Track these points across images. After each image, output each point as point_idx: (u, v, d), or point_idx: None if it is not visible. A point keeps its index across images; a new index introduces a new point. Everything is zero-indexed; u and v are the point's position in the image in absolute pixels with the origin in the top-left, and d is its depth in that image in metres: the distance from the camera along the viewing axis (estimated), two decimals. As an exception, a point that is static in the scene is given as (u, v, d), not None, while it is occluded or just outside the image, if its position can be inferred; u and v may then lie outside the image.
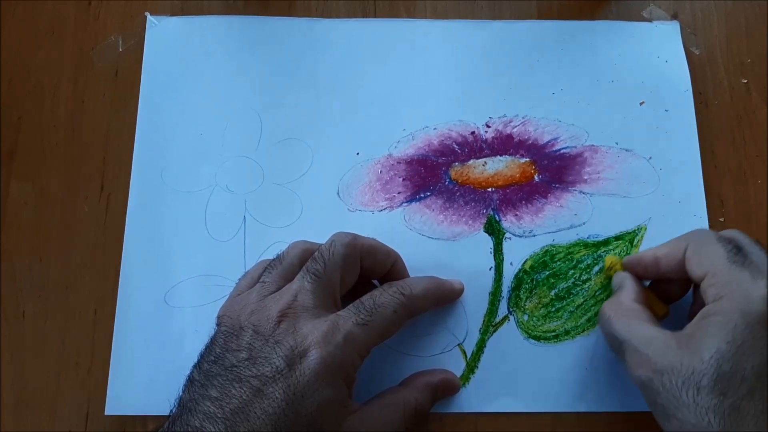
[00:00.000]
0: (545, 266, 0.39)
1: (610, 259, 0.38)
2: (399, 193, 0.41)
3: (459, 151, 0.42)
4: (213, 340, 0.32)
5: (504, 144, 0.42)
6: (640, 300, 0.34)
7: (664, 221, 0.40)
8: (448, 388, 0.37)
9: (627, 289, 0.35)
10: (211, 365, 0.30)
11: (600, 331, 0.38)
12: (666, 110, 0.43)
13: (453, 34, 0.44)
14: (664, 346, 0.30)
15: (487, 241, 0.40)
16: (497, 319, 0.39)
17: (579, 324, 0.38)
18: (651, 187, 0.41)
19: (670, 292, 0.36)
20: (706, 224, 0.40)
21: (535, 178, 0.41)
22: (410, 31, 0.44)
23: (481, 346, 0.38)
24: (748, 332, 0.29)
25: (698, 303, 0.33)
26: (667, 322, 0.34)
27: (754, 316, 0.29)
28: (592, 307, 0.39)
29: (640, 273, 0.36)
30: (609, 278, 0.38)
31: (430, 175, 0.41)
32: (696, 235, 0.34)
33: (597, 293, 0.39)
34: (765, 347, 0.29)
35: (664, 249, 0.35)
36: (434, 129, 0.42)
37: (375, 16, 0.45)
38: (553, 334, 0.38)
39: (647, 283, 0.37)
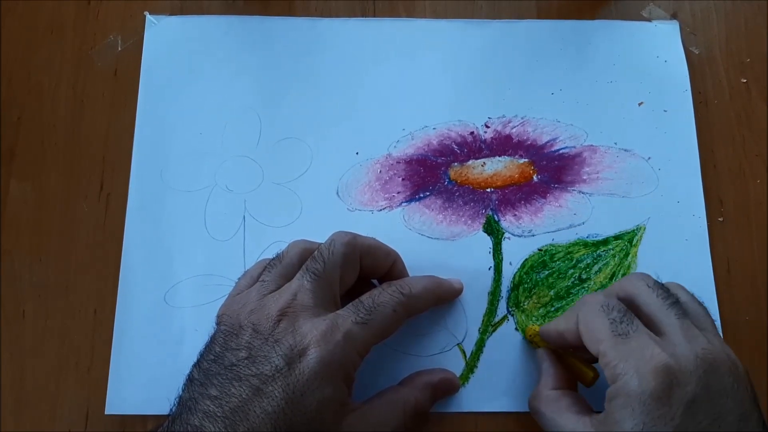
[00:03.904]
0: (544, 266, 0.39)
1: (530, 329, 0.37)
2: (398, 192, 0.41)
3: (458, 151, 0.42)
4: (213, 339, 0.32)
5: (503, 144, 0.42)
6: (559, 383, 0.34)
7: (664, 221, 0.40)
8: (447, 387, 0.37)
9: (545, 374, 0.35)
10: (211, 364, 0.31)
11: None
12: (665, 110, 0.43)
13: (452, 34, 0.44)
14: None
15: (487, 241, 0.40)
16: (496, 319, 0.39)
17: (578, 323, 0.38)
18: (650, 186, 0.41)
19: (593, 355, 0.35)
20: (705, 224, 0.40)
21: (534, 178, 0.41)
22: (409, 31, 0.44)
23: (480, 346, 0.38)
24: (646, 413, 0.28)
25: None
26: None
27: (648, 395, 0.28)
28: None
29: (554, 344, 0.36)
30: (611, 274, 0.39)
31: (430, 175, 0.41)
32: (584, 306, 0.33)
33: (596, 293, 0.39)
34: (668, 424, 0.28)
35: (563, 323, 0.34)
36: (433, 129, 0.42)
37: (374, 15, 0.45)
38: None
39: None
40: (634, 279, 0.33)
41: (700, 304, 0.33)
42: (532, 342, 0.37)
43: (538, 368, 0.36)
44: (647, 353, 0.29)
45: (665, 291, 0.32)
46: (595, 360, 0.32)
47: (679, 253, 0.40)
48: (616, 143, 0.42)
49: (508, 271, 0.39)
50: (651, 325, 0.31)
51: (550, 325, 0.35)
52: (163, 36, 0.44)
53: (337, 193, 0.41)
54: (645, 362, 0.29)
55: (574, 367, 0.35)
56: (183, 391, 0.31)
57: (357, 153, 0.42)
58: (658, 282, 0.32)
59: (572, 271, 0.39)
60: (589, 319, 0.32)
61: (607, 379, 0.30)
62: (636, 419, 0.28)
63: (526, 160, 0.42)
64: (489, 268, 0.39)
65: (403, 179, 0.41)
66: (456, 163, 0.42)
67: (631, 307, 0.32)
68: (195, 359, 0.32)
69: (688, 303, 0.32)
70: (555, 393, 0.34)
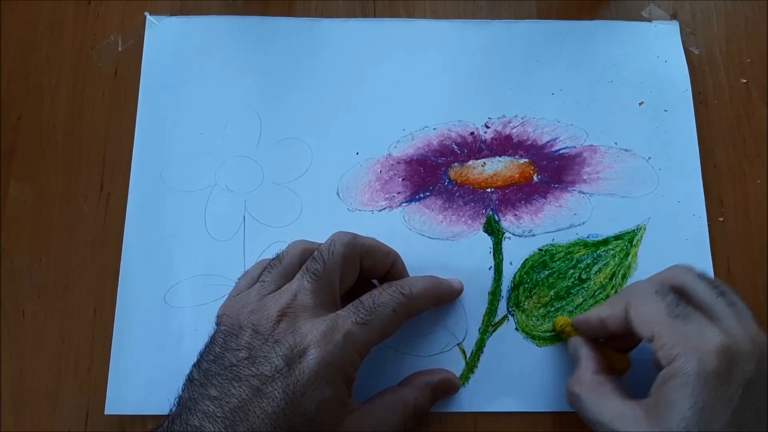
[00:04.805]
0: (545, 266, 0.39)
1: (560, 320, 0.37)
2: (398, 193, 0.41)
3: (458, 151, 0.42)
4: (212, 340, 0.32)
5: (503, 144, 0.42)
6: (599, 367, 0.34)
7: (664, 221, 0.40)
8: (447, 387, 0.37)
9: (583, 360, 0.35)
10: (211, 364, 0.31)
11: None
12: (665, 110, 0.43)
13: (452, 34, 0.44)
14: (633, 421, 0.30)
15: (487, 241, 0.40)
16: (497, 319, 0.39)
17: (578, 324, 0.38)
18: (650, 186, 0.41)
19: (628, 343, 0.35)
20: (705, 224, 0.40)
21: (534, 178, 0.41)
22: (410, 31, 0.44)
23: (480, 346, 0.38)
24: (707, 393, 0.28)
25: (658, 364, 0.32)
26: (638, 361, 0.34)
27: (710, 374, 0.28)
28: (592, 307, 0.39)
29: (590, 334, 0.36)
30: (611, 274, 0.39)
31: (430, 175, 0.41)
32: (634, 293, 0.33)
33: (596, 293, 0.39)
34: (728, 404, 0.28)
35: (607, 309, 0.34)
36: (434, 129, 0.42)
37: (374, 16, 0.45)
38: (553, 333, 0.38)
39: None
40: (681, 269, 0.33)
41: (739, 296, 0.33)
42: (562, 333, 0.37)
43: (572, 356, 0.36)
44: (707, 334, 0.29)
45: (712, 281, 0.32)
46: (628, 351, 0.33)
47: (680, 253, 0.40)
48: (616, 143, 0.42)
49: (509, 271, 0.39)
50: (702, 312, 0.31)
51: (589, 313, 0.35)
52: (163, 36, 0.44)
53: (338, 193, 0.41)
54: (705, 342, 0.29)
55: (608, 356, 0.35)
56: (183, 391, 0.31)
57: (357, 153, 0.42)
58: (703, 272, 0.33)
59: (572, 271, 0.39)
60: (643, 303, 0.32)
61: (660, 362, 0.30)
62: (695, 398, 0.28)
63: (527, 160, 0.42)
64: (489, 268, 0.39)
65: (403, 179, 0.41)
66: (456, 164, 0.42)
67: (681, 295, 0.32)
68: (195, 359, 0.32)
69: (730, 293, 0.32)
70: (598, 377, 0.33)
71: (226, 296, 0.35)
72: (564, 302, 0.39)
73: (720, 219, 0.41)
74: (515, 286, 0.39)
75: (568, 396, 0.34)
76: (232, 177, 0.41)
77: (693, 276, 0.32)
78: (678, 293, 0.32)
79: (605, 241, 0.40)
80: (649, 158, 0.42)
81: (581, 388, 0.33)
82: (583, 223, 0.40)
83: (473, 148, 0.42)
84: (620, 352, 0.35)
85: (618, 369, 0.35)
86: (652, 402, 0.30)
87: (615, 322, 0.33)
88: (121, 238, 0.40)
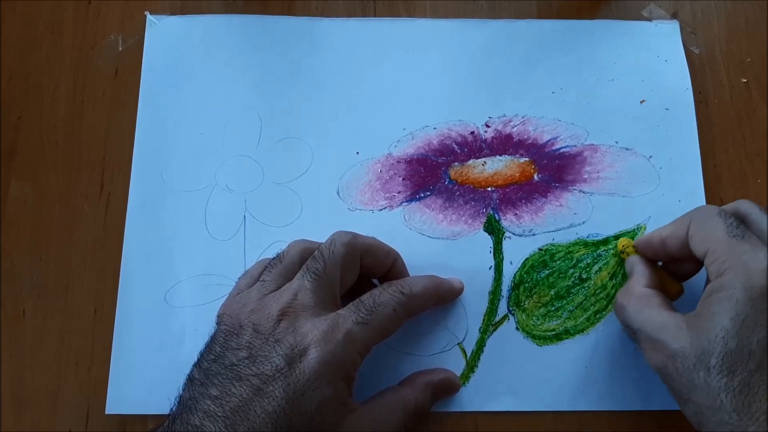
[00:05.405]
0: (545, 265, 0.39)
1: (622, 241, 0.38)
2: (399, 192, 0.41)
3: (458, 150, 0.42)
4: (213, 339, 0.32)
5: (503, 144, 0.42)
6: (651, 284, 0.34)
7: (664, 220, 0.40)
8: (448, 387, 0.37)
9: (637, 274, 0.35)
10: (211, 364, 0.31)
11: (599, 329, 0.38)
12: (666, 109, 0.43)
13: (452, 34, 0.44)
14: (676, 330, 0.30)
15: (487, 241, 0.40)
16: (497, 318, 0.39)
17: (579, 323, 0.38)
18: (651, 186, 0.41)
19: (684, 270, 0.36)
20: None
21: (535, 177, 0.41)
22: (410, 31, 0.44)
23: (481, 345, 0.38)
24: (750, 306, 0.28)
25: (709, 281, 0.33)
26: (685, 302, 0.34)
27: (756, 290, 0.28)
28: (592, 306, 0.39)
29: (650, 255, 0.36)
30: (612, 274, 0.39)
31: (430, 174, 0.41)
32: (698, 212, 0.34)
33: (597, 292, 0.39)
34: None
35: (669, 229, 0.34)
36: (434, 128, 0.42)
37: (375, 15, 0.45)
38: (553, 333, 0.38)
39: (661, 262, 0.37)
40: (747, 202, 0.33)
41: None
42: (623, 253, 0.37)
43: (627, 273, 0.36)
44: (760, 254, 0.29)
45: None
46: (683, 280, 0.35)
47: (680, 252, 0.40)
48: (617, 142, 0.42)
49: (509, 271, 0.39)
50: (760, 239, 0.31)
51: (651, 233, 0.36)
52: (163, 36, 0.44)
53: (338, 192, 0.41)
54: (757, 261, 0.29)
55: (662, 279, 0.35)
56: (183, 390, 0.31)
57: (357, 153, 0.42)
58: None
59: (572, 270, 0.39)
60: (705, 221, 0.32)
61: (710, 276, 0.31)
62: (738, 309, 0.28)
63: (527, 159, 0.42)
64: (489, 268, 0.39)
65: (403, 179, 0.41)
66: (456, 163, 0.41)
67: (743, 221, 0.32)
68: (195, 359, 0.32)
69: None
70: (647, 290, 0.34)
71: (227, 296, 0.35)
72: (564, 302, 0.39)
73: (720, 218, 0.41)
74: (515, 286, 0.39)
75: (615, 305, 0.35)
76: (233, 177, 0.41)
77: (758, 209, 0.33)
78: (740, 220, 0.32)
79: (605, 241, 0.40)
80: (650, 157, 0.42)
81: (627, 298, 0.34)
82: (584, 223, 0.40)
83: (473, 147, 0.42)
84: (676, 278, 0.36)
85: (670, 292, 0.35)
86: (695, 314, 0.30)
87: (675, 242, 0.34)
88: (122, 238, 0.40)
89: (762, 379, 0.27)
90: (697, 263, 0.35)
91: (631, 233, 0.40)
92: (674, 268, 0.36)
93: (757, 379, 0.27)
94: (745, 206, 0.33)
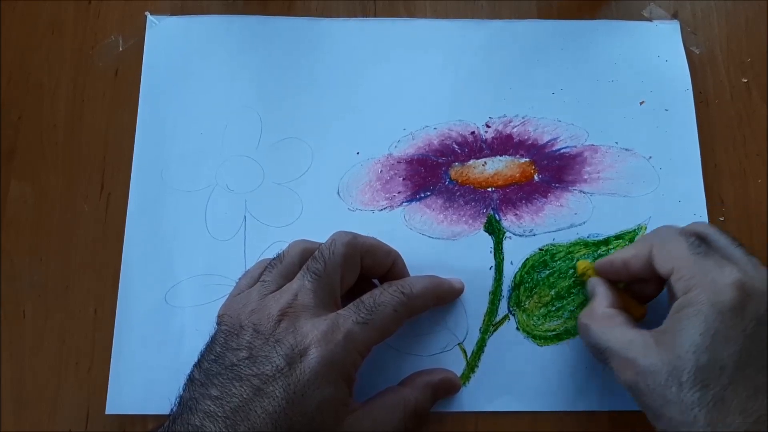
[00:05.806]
0: (545, 265, 0.39)
1: (582, 264, 0.38)
2: (399, 192, 0.41)
3: (459, 151, 0.42)
4: (213, 339, 0.32)
5: (504, 144, 0.42)
6: (614, 304, 0.34)
7: (664, 220, 0.40)
8: (448, 387, 0.37)
9: (599, 295, 0.35)
10: (212, 364, 0.30)
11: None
12: (666, 109, 0.43)
13: (453, 34, 0.44)
14: (644, 347, 0.30)
15: (488, 241, 0.40)
16: (497, 319, 0.39)
17: (579, 323, 0.38)
18: (651, 186, 0.41)
19: (646, 292, 0.36)
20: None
21: (535, 177, 0.41)
22: (410, 31, 0.44)
23: (481, 346, 0.38)
24: (720, 321, 0.28)
25: (674, 299, 0.33)
26: (648, 322, 0.34)
27: (723, 304, 0.29)
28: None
29: (612, 276, 0.36)
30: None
31: (430, 174, 0.41)
32: (659, 233, 0.34)
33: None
34: (739, 335, 0.28)
35: (632, 250, 0.35)
36: (434, 129, 0.42)
37: (375, 15, 0.45)
38: (554, 333, 0.38)
39: (624, 284, 0.37)
40: (703, 223, 0.34)
41: None
42: (583, 275, 0.37)
43: (589, 294, 0.36)
44: (726, 270, 0.30)
45: (731, 236, 0.33)
46: (645, 302, 0.35)
47: (680, 252, 0.40)
48: (617, 143, 0.42)
49: (509, 271, 0.39)
50: (722, 255, 0.32)
51: (612, 255, 0.36)
52: (163, 36, 0.44)
53: (338, 192, 0.41)
54: (723, 276, 0.30)
55: (625, 302, 0.35)
56: (184, 390, 0.31)
57: (358, 153, 0.42)
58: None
59: (573, 270, 0.39)
60: (668, 240, 0.33)
61: (675, 294, 0.31)
62: (708, 324, 0.28)
63: (527, 159, 0.42)
64: (490, 268, 0.39)
65: (403, 179, 0.41)
66: (457, 163, 0.41)
67: (703, 240, 0.32)
68: (195, 359, 0.32)
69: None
70: (611, 310, 0.34)
71: (227, 296, 0.35)
72: (565, 302, 0.39)
73: (720, 219, 0.41)
74: (516, 286, 0.39)
75: (579, 327, 0.35)
76: (233, 177, 0.41)
77: (715, 229, 0.33)
78: (700, 239, 0.32)
79: (606, 241, 0.40)
80: (650, 158, 0.42)
81: (591, 320, 0.34)
82: (584, 223, 0.40)
83: (474, 147, 0.42)
84: (638, 300, 0.36)
85: (633, 315, 0.35)
86: (663, 330, 0.30)
87: (638, 262, 0.34)
88: (122, 238, 0.40)
89: (735, 394, 0.27)
90: (659, 284, 0.35)
91: (630, 234, 0.40)
92: (637, 290, 0.36)
93: (731, 393, 0.27)
94: (702, 227, 0.33)
